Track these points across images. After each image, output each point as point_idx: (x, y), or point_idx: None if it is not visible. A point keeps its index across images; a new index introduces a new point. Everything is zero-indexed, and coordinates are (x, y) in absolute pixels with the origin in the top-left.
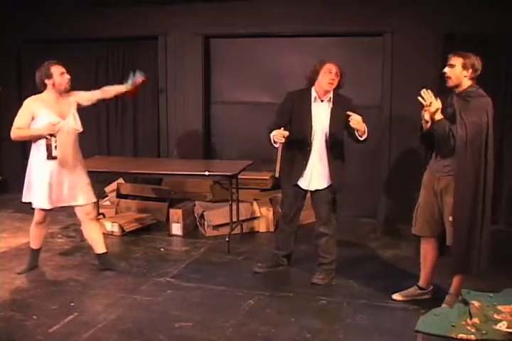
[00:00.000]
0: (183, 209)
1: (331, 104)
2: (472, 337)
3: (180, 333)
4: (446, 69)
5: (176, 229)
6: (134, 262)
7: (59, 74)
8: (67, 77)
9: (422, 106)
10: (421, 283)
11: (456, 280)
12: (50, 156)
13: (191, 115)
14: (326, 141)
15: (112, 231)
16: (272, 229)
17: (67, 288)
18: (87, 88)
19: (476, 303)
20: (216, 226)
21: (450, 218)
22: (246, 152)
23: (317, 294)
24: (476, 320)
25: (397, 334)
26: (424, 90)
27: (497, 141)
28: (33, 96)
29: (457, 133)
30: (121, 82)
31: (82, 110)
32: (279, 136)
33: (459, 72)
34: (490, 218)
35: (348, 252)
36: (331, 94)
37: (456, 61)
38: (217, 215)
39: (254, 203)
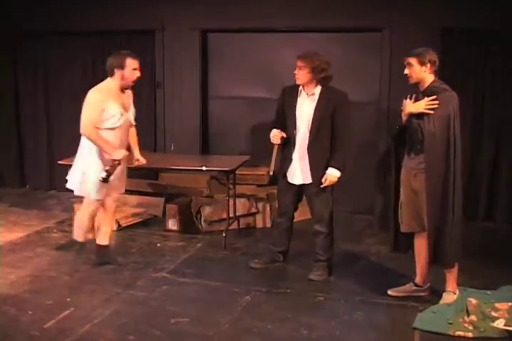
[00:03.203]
0: (179, 204)
1: (315, 97)
2: (470, 334)
3: (176, 329)
4: (406, 71)
5: (173, 224)
6: (130, 257)
7: (131, 69)
8: (138, 74)
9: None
10: (417, 280)
11: (450, 278)
12: (105, 180)
13: (188, 110)
14: (309, 134)
15: None
16: (268, 225)
17: (62, 283)
18: (84, 81)
19: (474, 301)
20: (213, 222)
21: None
22: (243, 147)
23: (314, 290)
24: (473, 317)
25: (394, 331)
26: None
27: (467, 136)
28: (99, 87)
29: (425, 127)
30: None
31: (77, 102)
32: (275, 137)
33: (418, 69)
34: (461, 210)
35: (345, 248)
36: (315, 89)
37: (412, 60)
38: (213, 211)
39: (251, 199)
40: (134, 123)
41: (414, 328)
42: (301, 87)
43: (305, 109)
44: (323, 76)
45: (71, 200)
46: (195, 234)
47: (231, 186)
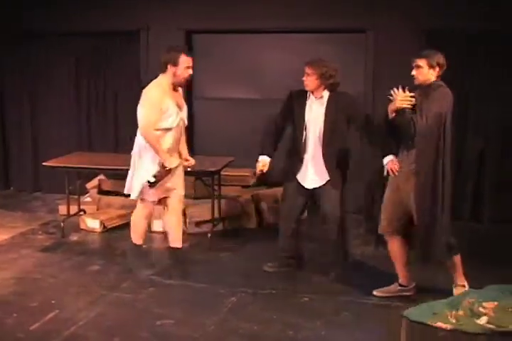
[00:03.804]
0: (163, 205)
1: (324, 101)
2: (448, 326)
3: (161, 330)
4: (414, 72)
5: (158, 225)
6: (116, 259)
7: (185, 67)
8: (190, 72)
9: (389, 101)
10: (400, 280)
11: (455, 272)
12: (151, 185)
13: None
14: (320, 138)
15: (93, 228)
16: (254, 226)
17: (47, 285)
18: (70, 82)
19: (471, 300)
20: (198, 223)
21: None
22: (228, 148)
23: (299, 291)
24: (460, 312)
25: (381, 331)
26: (394, 90)
27: (455, 133)
28: (155, 86)
29: (417, 122)
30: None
31: (62, 104)
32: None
33: (426, 71)
34: (450, 207)
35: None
36: (323, 93)
37: (422, 62)
38: (199, 212)
39: (236, 200)
40: (186, 123)
41: (402, 316)
42: (309, 92)
43: (315, 112)
44: (331, 82)
45: (56, 202)
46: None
47: (216, 187)
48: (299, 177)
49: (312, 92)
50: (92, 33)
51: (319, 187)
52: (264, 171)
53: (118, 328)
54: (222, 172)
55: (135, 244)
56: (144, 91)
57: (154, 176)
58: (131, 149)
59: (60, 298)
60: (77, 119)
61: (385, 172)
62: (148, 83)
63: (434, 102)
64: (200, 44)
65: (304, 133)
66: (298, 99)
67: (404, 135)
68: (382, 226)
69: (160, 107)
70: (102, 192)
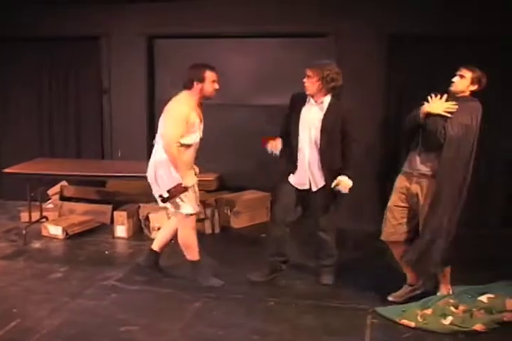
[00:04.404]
0: (127, 211)
1: (324, 106)
2: (412, 324)
3: (126, 337)
4: (456, 79)
5: (121, 231)
6: (79, 266)
7: (211, 81)
8: (217, 86)
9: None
10: (409, 281)
11: (443, 280)
12: (163, 200)
13: (135, 116)
14: (316, 143)
15: (56, 235)
16: (217, 231)
17: (9, 294)
18: (31, 88)
19: (451, 300)
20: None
21: None
22: None
23: (264, 295)
24: (429, 310)
25: (346, 334)
26: (432, 95)
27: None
28: (184, 101)
29: (447, 131)
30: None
31: (23, 110)
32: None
33: (467, 84)
34: (457, 220)
35: (296, 252)
36: (325, 97)
37: (467, 74)
38: (162, 217)
39: (199, 205)
40: (201, 136)
41: (374, 311)
42: (309, 96)
43: (313, 116)
44: (332, 85)
45: (18, 209)
46: (143, 241)
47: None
48: (293, 180)
49: (312, 96)
50: (53, 38)
51: (314, 192)
52: (275, 147)
53: (82, 336)
54: None
55: (196, 261)
56: (169, 107)
57: (169, 192)
58: (93, 155)
59: (23, 306)
60: (39, 125)
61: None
62: (109, 88)
63: (466, 115)
64: (162, 49)
65: (299, 136)
66: (297, 101)
67: (430, 140)
68: (389, 233)
69: (186, 122)
70: (64, 198)
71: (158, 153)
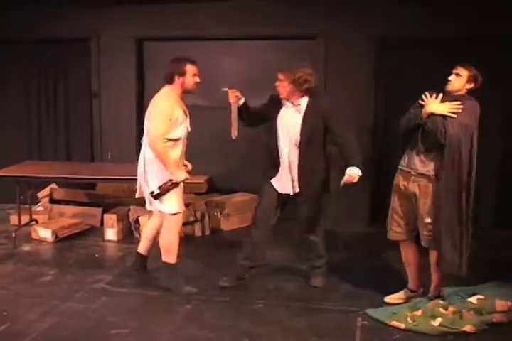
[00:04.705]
0: (117, 214)
1: (302, 108)
2: (402, 325)
3: (116, 340)
4: (452, 77)
5: (111, 234)
6: (68, 269)
7: (192, 75)
8: (198, 80)
9: (421, 106)
10: (411, 286)
11: (436, 283)
12: (155, 197)
13: (125, 118)
14: (296, 146)
15: (45, 238)
16: (207, 233)
17: None
18: (20, 90)
19: (441, 302)
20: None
21: (428, 220)
22: None
23: (254, 298)
24: (418, 312)
25: (336, 336)
26: (426, 94)
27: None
28: (165, 97)
29: (448, 131)
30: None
31: (12, 113)
32: (231, 95)
33: (463, 82)
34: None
35: (284, 254)
36: (301, 99)
37: (463, 72)
38: None
39: (190, 207)
40: (190, 130)
41: (364, 313)
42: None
43: (291, 119)
44: (306, 87)
45: (7, 212)
46: (133, 244)
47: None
48: (276, 182)
49: (287, 100)
50: (42, 40)
51: (296, 195)
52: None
53: (72, 339)
54: None
55: (172, 264)
56: (152, 102)
57: (160, 188)
58: (83, 158)
59: (12, 309)
60: (28, 128)
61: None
62: (98, 90)
63: (465, 114)
64: (151, 52)
65: (277, 140)
66: (273, 104)
67: (429, 140)
68: (397, 233)
69: (170, 117)
70: (53, 201)
71: (147, 151)
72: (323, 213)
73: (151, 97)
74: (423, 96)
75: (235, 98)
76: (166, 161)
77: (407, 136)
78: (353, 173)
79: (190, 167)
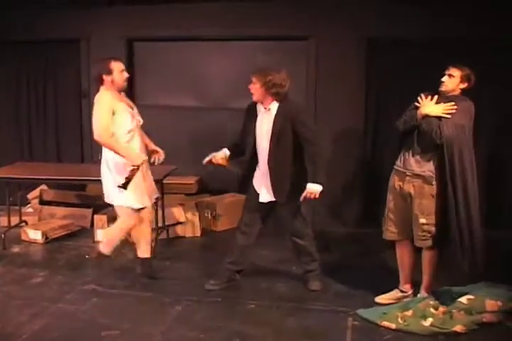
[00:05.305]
0: (108, 215)
1: (272, 113)
2: (393, 325)
3: None
4: (445, 79)
5: (101, 235)
6: (58, 270)
7: (119, 72)
8: (127, 75)
9: (416, 108)
10: (403, 286)
11: (427, 282)
12: (123, 187)
13: None
14: (268, 150)
15: (35, 239)
16: (198, 234)
17: None
18: (10, 91)
19: (431, 302)
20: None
21: (423, 220)
22: (170, 156)
23: (245, 298)
24: (409, 312)
25: (327, 336)
26: (422, 96)
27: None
28: (103, 94)
29: (443, 132)
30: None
31: (2, 113)
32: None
33: (456, 83)
34: (479, 219)
35: (276, 254)
36: (272, 104)
37: (456, 72)
38: None
39: (180, 208)
40: (141, 121)
41: (355, 313)
42: (259, 103)
43: (264, 124)
44: (275, 91)
45: None
46: (123, 245)
47: (159, 195)
48: (256, 188)
49: (262, 103)
50: (32, 41)
51: (275, 200)
52: (220, 162)
53: (62, 340)
54: (165, 181)
55: (103, 254)
56: (94, 102)
57: (126, 178)
58: (73, 159)
59: (3, 311)
60: (18, 129)
61: None
62: (88, 90)
63: (460, 115)
64: (141, 52)
65: (254, 146)
66: (250, 111)
67: (425, 141)
68: (394, 233)
69: (111, 110)
70: (43, 202)
71: (104, 152)
72: (303, 216)
73: (141, 98)
74: (418, 97)
75: (221, 160)
76: (118, 149)
77: (403, 137)
78: (314, 190)
79: (162, 154)
